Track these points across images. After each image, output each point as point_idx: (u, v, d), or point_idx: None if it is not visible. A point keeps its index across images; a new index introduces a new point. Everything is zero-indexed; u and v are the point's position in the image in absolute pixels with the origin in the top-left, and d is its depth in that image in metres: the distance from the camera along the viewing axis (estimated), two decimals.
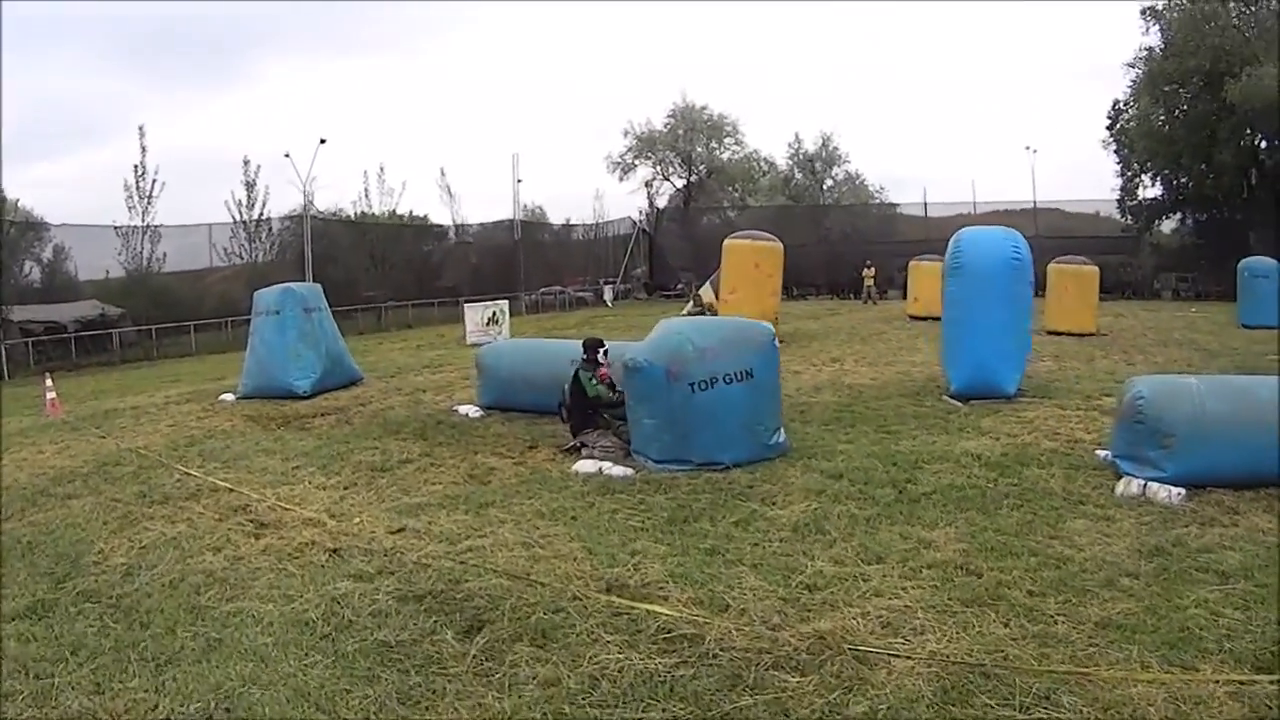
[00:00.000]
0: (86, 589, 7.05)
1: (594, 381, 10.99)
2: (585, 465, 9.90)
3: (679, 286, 55.90)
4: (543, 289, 50.89)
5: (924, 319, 30.55)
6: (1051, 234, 47.37)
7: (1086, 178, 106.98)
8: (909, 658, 5.26)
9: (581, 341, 11.72)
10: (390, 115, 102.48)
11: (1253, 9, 46.86)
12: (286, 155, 52.68)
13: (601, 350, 11.25)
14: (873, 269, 44.70)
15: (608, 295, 53.04)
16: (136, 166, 39.00)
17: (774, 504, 8.45)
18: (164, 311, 35.17)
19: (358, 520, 8.47)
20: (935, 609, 5.93)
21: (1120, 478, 8.66)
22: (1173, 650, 5.25)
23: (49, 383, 18.11)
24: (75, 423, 15.55)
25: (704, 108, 66.10)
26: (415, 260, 49.27)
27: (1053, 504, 8.20)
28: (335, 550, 7.61)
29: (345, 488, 9.85)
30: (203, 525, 8.64)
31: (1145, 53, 50.67)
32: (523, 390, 13.44)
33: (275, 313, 17.28)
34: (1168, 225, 54.23)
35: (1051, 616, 5.76)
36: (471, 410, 13.95)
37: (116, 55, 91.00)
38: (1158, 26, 49.53)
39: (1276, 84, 41.16)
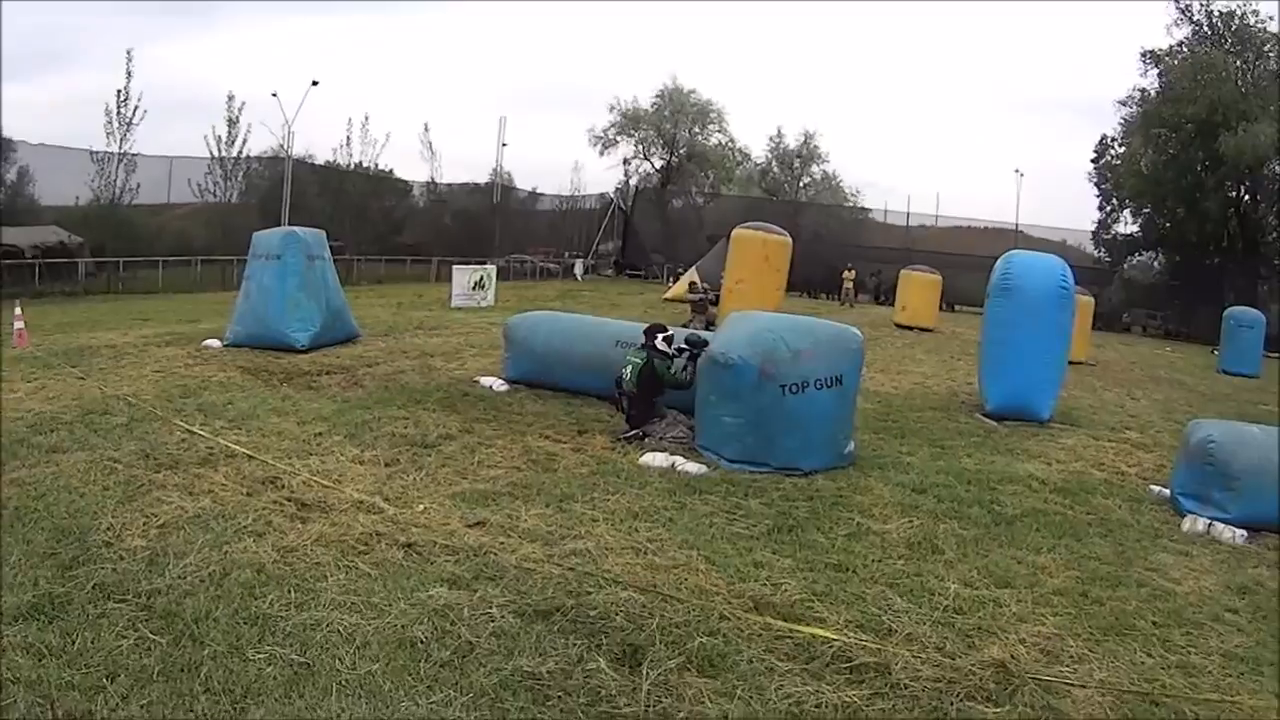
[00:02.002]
0: (104, 581, 5.72)
1: (670, 369, 10.48)
2: (655, 458, 9.40)
3: (649, 268, 55.84)
4: (512, 255, 50.09)
5: (911, 328, 31.10)
6: None
7: (1052, 206, 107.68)
8: (1084, 686, 5.19)
9: (643, 328, 11.20)
10: (381, 68, 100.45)
11: (1253, 65, 47.85)
12: (274, 95, 50.88)
13: (661, 336, 10.73)
14: (853, 271, 44.99)
15: (578, 269, 52.50)
16: (120, 91, 37.52)
17: (874, 517, 8.12)
18: (127, 244, 33.77)
19: (422, 508, 7.54)
20: (1081, 637, 5.89)
21: (1184, 515, 8.89)
22: None
23: (18, 311, 16.43)
24: (47, 358, 14.07)
25: (692, 91, 66.03)
26: (387, 214, 48.34)
27: (1132, 535, 8.34)
28: (409, 545, 6.64)
29: (388, 464, 8.89)
30: (229, 501, 7.43)
31: (1139, 93, 52.03)
32: (557, 368, 12.84)
33: (276, 257, 16.14)
34: (1138, 262, 55.00)
35: (1183, 648, 5.84)
36: (496, 383, 13.30)
37: None
38: (1157, 70, 50.73)
39: (1269, 141, 42.32)
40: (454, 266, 30.47)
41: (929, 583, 6.64)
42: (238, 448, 9.07)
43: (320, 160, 47.18)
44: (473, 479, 8.57)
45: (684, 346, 10.58)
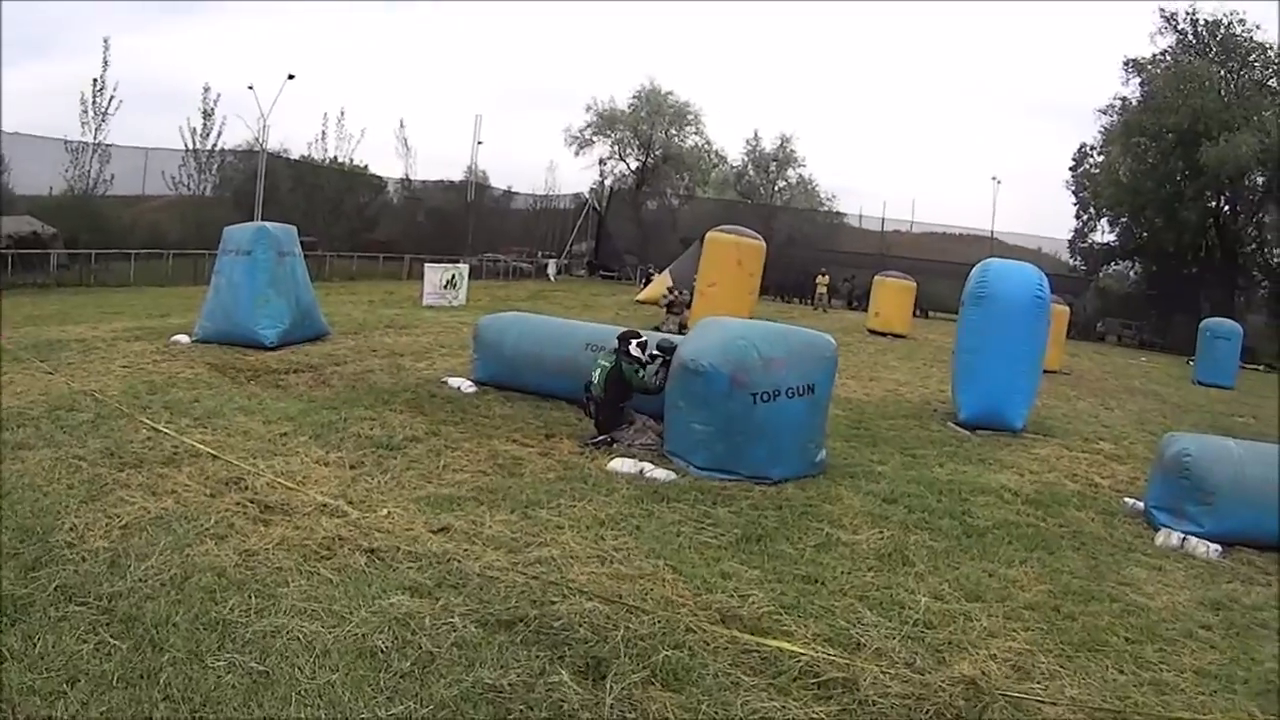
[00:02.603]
0: (66, 582, 5.61)
1: (641, 375, 10.34)
2: (623, 464, 9.26)
3: (623, 269, 55.65)
4: (485, 254, 49.81)
5: (884, 334, 31.11)
6: None
7: (1029, 214, 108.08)
8: (1055, 703, 5.13)
9: (617, 334, 10.97)
10: (358, 63, 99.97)
11: (1237, 75, 48.29)
12: (250, 88, 50.17)
13: (635, 342, 10.52)
14: (827, 276, 44.91)
15: (551, 269, 52.06)
16: (96, 80, 36.83)
17: (844, 527, 8.01)
18: (101, 236, 33.17)
19: (386, 512, 7.37)
20: (1053, 653, 5.82)
21: (1158, 529, 8.83)
22: (1267, 699, 5.44)
23: None
24: (16, 351, 13.79)
25: (669, 93, 65.82)
26: (360, 211, 47.76)
27: (1105, 549, 8.25)
28: (372, 551, 6.49)
29: (352, 466, 8.70)
30: (193, 502, 7.27)
31: (1119, 101, 52.37)
32: (526, 371, 12.68)
33: (247, 253, 15.88)
34: (1114, 271, 55.36)
35: (1156, 665, 5.81)
36: (464, 384, 13.11)
37: None
38: (1139, 79, 51.07)
39: (1250, 152, 42.82)
40: (426, 265, 30.24)
41: (899, 595, 6.53)
42: (202, 447, 8.87)
43: (296, 155, 46.75)
44: (438, 483, 8.42)
45: (656, 352, 10.39)
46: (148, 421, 9.73)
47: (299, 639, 5.09)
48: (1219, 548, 8.34)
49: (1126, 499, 10.04)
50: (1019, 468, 11.29)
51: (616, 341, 10.64)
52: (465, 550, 6.65)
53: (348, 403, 11.54)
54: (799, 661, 5.25)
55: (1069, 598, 6.83)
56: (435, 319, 23.02)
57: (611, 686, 4.83)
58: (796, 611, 6.04)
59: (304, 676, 4.70)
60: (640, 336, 10.69)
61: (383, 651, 5.03)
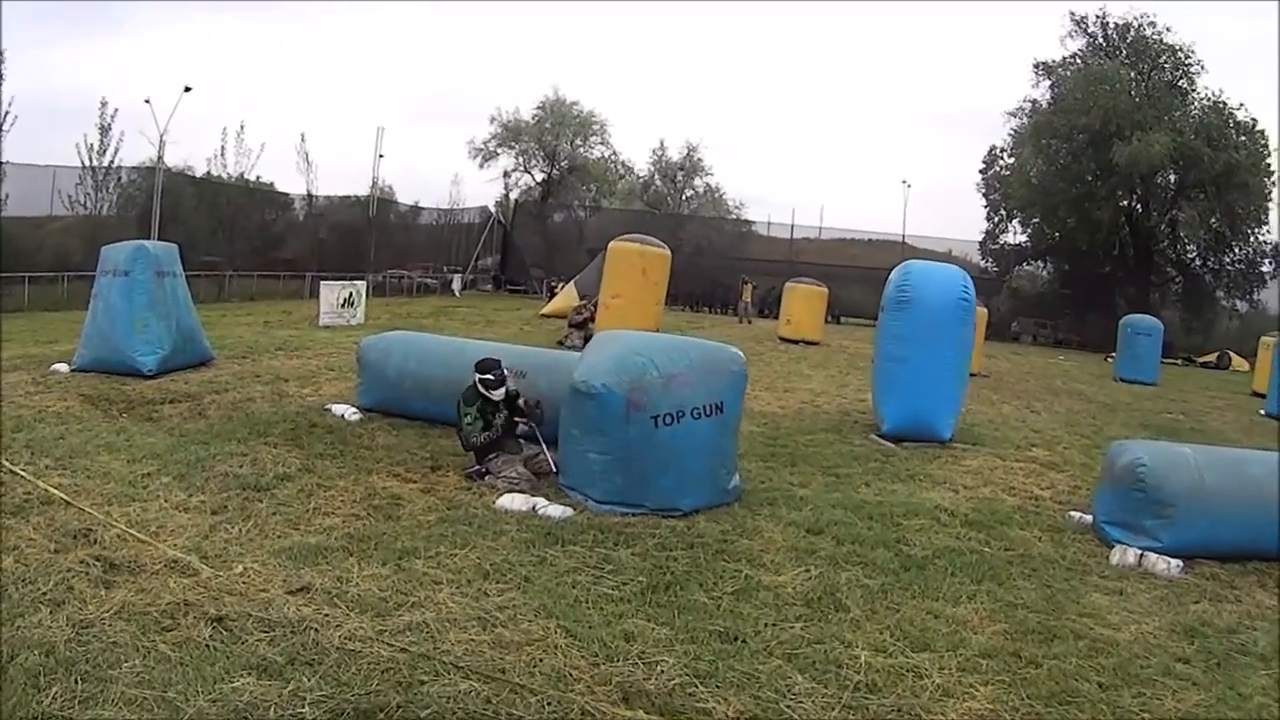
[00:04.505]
0: None
1: (466, 417, 9.18)
2: (514, 501, 8.18)
3: (529, 283, 54.82)
4: (390, 270, 48.64)
5: (796, 342, 30.52)
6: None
7: (936, 218, 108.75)
8: None
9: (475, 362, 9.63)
10: (259, 75, 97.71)
11: (1148, 77, 49.65)
12: (147, 101, 47.73)
13: (479, 378, 9.26)
14: (750, 285, 43.66)
15: (456, 284, 51.02)
16: None
17: (765, 567, 7.03)
18: (5, 259, 31.33)
19: (240, 569, 6.36)
20: (1019, 711, 5.06)
21: (1111, 545, 8.18)
22: None
23: None
24: None
25: (574, 103, 65.17)
26: (262, 229, 45.79)
27: (1059, 573, 7.50)
28: (220, 619, 5.42)
29: (214, 512, 7.63)
30: (34, 560, 6.24)
31: (1030, 104, 53.78)
32: (413, 395, 11.56)
33: (125, 273, 14.62)
34: (1024, 271, 56.13)
35: (1136, 714, 5.15)
36: (349, 411, 11.97)
37: None
38: (1049, 81, 52.53)
39: (1162, 150, 44.21)
40: (321, 283, 28.95)
41: (834, 651, 5.57)
42: (56, 492, 7.73)
43: (199, 172, 45.00)
44: (305, 529, 7.32)
45: (500, 397, 9.29)
46: (5, 463, 8.58)
47: None
48: (1180, 563, 7.70)
49: (1072, 512, 9.36)
50: (952, 483, 10.51)
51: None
52: (325, 616, 5.62)
53: (220, 436, 10.39)
54: None
55: (1028, 638, 6.02)
56: (330, 340, 21.75)
57: None
58: (714, 680, 5.07)
59: None
60: (497, 369, 9.35)
61: None
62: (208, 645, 5.15)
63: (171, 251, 15.79)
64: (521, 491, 8.48)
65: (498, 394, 9.21)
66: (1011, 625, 6.22)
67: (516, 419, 9.31)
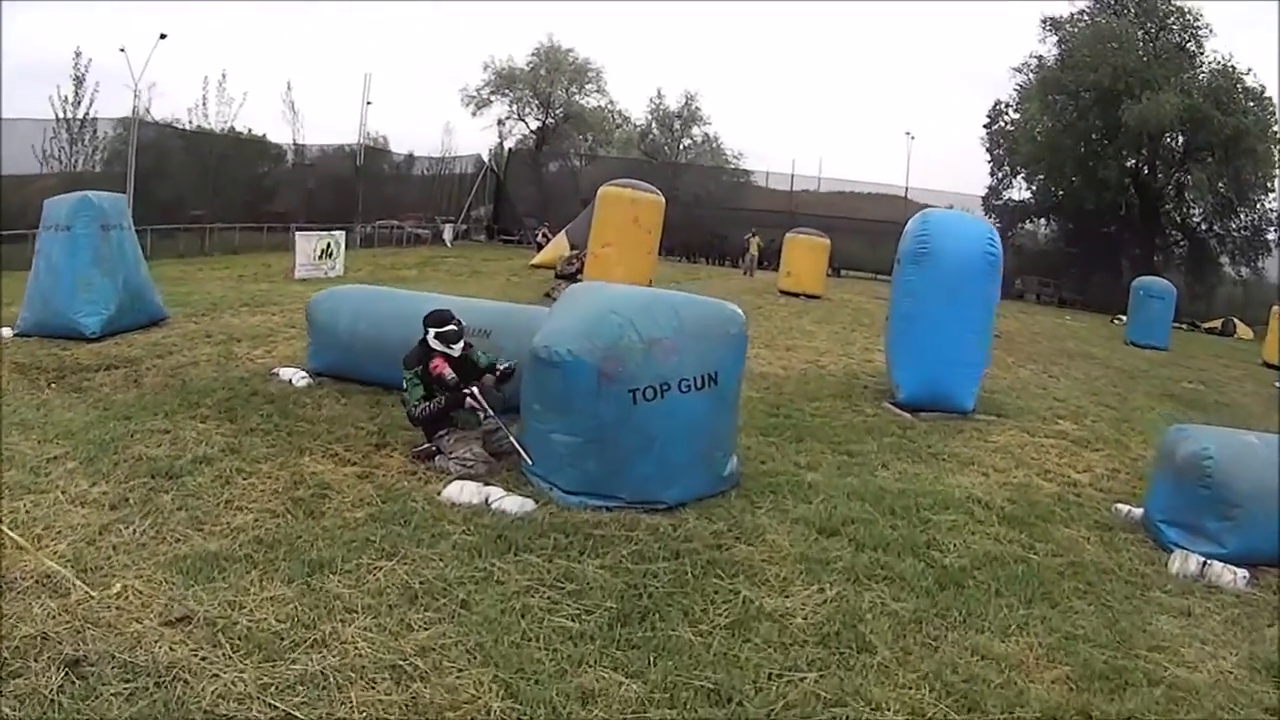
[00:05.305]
0: None
1: (414, 382, 7.70)
2: (463, 491, 6.74)
3: (522, 233, 53.30)
4: (379, 222, 47.26)
5: (796, 295, 29.28)
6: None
7: (940, 172, 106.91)
8: None
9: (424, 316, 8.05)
10: (239, 18, 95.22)
11: (1155, 37, 48.82)
12: (121, 50, 46.00)
13: (435, 333, 7.76)
14: (757, 237, 41.44)
15: (447, 235, 49.56)
16: None
17: (768, 585, 5.67)
18: None
19: (119, 586, 5.04)
20: None
21: (1168, 549, 6.92)
22: None
23: None
24: None
25: (570, 50, 63.20)
26: (250, 181, 44.19)
27: (1118, 589, 6.21)
28: (76, 663, 4.25)
29: (112, 506, 6.34)
30: None
31: (1035, 60, 52.57)
32: (365, 357, 10.12)
33: (66, 228, 13.29)
34: (1025, 229, 55.58)
35: None
36: (297, 376, 10.59)
37: None
38: (1056, 37, 51.28)
39: (1172, 110, 43.41)
40: (298, 233, 27.45)
41: (858, 715, 4.24)
42: None
43: (185, 123, 43.39)
44: (209, 530, 6.01)
45: (456, 357, 7.80)
46: None
47: None
48: (1246, 574, 6.51)
49: (1119, 505, 8.04)
50: (980, 464, 9.17)
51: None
52: (202, 661, 4.35)
53: (147, 409, 9.06)
54: None
55: (1096, 687, 4.75)
56: (302, 294, 20.10)
57: None
58: None
59: None
60: (450, 324, 7.81)
61: None
62: (52, 701, 3.96)
63: (119, 203, 14.56)
64: (475, 477, 7.10)
65: (457, 349, 7.76)
66: (1074, 668, 4.94)
67: (467, 392, 7.65)
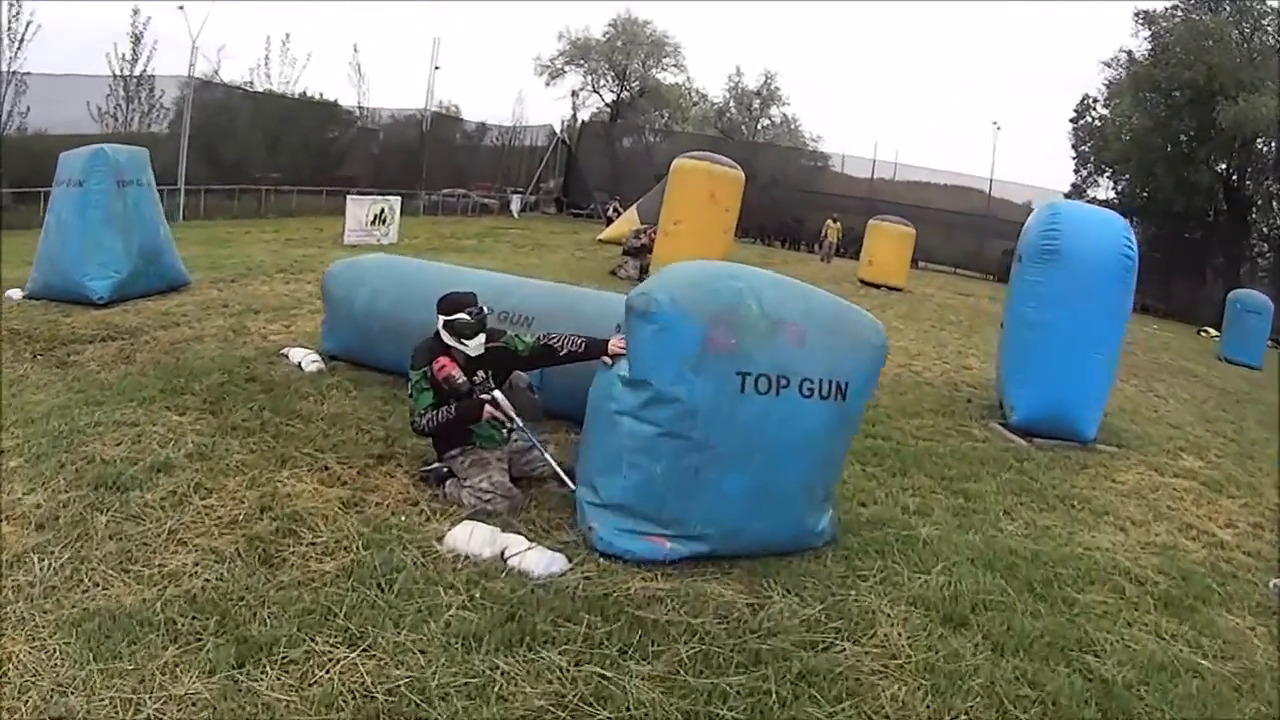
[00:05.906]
0: None
1: (421, 385, 5.98)
2: (474, 538, 5.05)
3: (593, 207, 51.95)
4: (445, 190, 46.27)
5: (877, 286, 27.72)
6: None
7: (1021, 166, 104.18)
8: None
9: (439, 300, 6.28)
10: None
11: (1250, 38, 46.72)
12: (180, 7, 44.87)
13: (457, 316, 6.03)
14: (838, 223, 39.45)
15: (515, 206, 48.54)
16: (10, 4, 32.08)
17: (882, 714, 3.99)
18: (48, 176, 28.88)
19: (9, 651, 3.80)
20: None
21: None
22: None
23: None
24: None
25: (648, 23, 62.09)
26: (315, 144, 43.31)
27: None
28: None
29: (38, 526, 5.05)
30: None
31: (1126, 54, 50.44)
32: (382, 339, 8.56)
33: (79, 183, 12.08)
34: None
35: None
36: (308, 359, 9.12)
37: None
38: (1148, 32, 48.97)
39: (1270, 114, 41.12)
40: (349, 198, 26.24)
41: None
42: None
43: (247, 84, 42.43)
44: (136, 574, 4.57)
45: (473, 356, 6.07)
46: None
47: None
48: None
49: (1275, 581, 6.39)
50: (1115, 514, 7.52)
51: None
52: None
53: (124, 393, 7.69)
54: None
55: None
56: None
57: None
58: None
59: None
60: (462, 311, 6.06)
61: None
62: None
63: (137, 157, 13.17)
64: (492, 516, 5.50)
65: (473, 345, 6.06)
66: None
67: (485, 399, 5.93)
